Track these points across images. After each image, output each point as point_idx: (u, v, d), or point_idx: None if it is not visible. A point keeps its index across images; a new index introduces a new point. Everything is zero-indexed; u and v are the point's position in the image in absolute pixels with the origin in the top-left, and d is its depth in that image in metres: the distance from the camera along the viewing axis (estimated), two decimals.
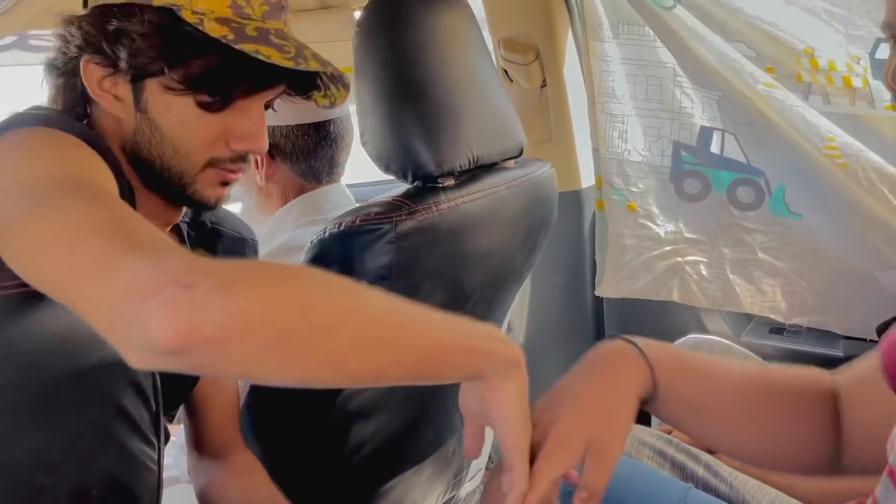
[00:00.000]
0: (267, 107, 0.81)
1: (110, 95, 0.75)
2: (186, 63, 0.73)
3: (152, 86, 0.74)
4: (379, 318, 0.52)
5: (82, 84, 0.75)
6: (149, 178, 0.77)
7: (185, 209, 0.85)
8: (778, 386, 0.72)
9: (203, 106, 0.74)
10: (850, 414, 0.69)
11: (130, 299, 0.46)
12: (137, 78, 0.74)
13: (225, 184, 0.80)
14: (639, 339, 0.68)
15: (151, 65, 0.73)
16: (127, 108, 0.75)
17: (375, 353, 0.52)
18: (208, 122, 0.75)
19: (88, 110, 0.77)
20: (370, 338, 0.51)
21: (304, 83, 0.81)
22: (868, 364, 0.69)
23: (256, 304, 0.47)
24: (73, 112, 0.77)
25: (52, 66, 0.77)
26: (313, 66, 0.75)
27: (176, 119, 0.75)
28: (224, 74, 0.74)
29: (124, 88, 0.74)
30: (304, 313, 0.48)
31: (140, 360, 0.48)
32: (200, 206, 0.81)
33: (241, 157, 0.79)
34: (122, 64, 0.73)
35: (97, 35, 0.73)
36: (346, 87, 0.82)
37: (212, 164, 0.77)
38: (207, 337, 0.45)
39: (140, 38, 0.72)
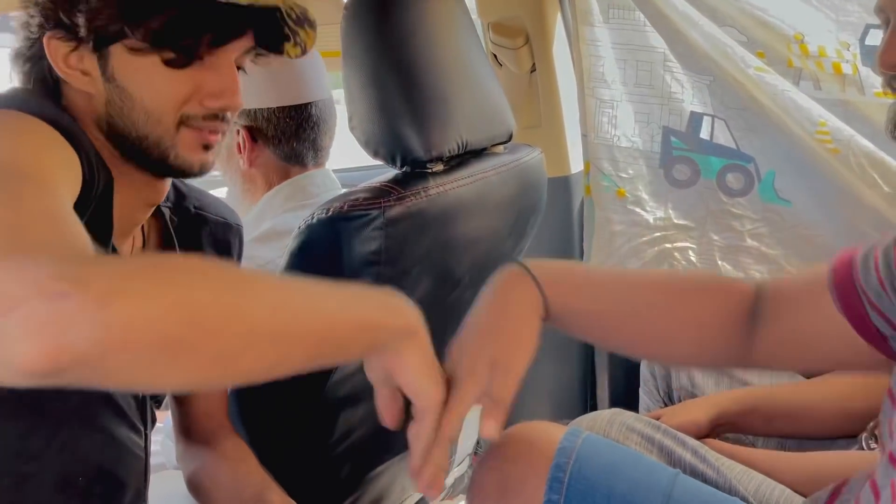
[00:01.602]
0: (239, 67, 0.80)
1: (78, 72, 0.74)
2: (146, 20, 0.71)
3: (117, 51, 0.73)
4: (270, 313, 0.50)
5: (49, 65, 0.74)
6: (128, 152, 0.76)
7: (167, 187, 0.84)
8: (676, 282, 0.77)
9: (169, 63, 0.73)
10: (776, 317, 0.72)
11: None
12: (100, 45, 0.72)
13: (206, 147, 0.78)
14: (529, 262, 0.71)
15: (111, 26, 0.71)
16: (96, 81, 0.74)
17: (268, 348, 0.50)
18: (177, 80, 0.74)
19: (60, 92, 0.76)
20: (261, 334, 0.50)
21: (272, 36, 0.80)
22: (806, 276, 0.74)
23: (136, 315, 0.43)
24: (44, 95, 0.75)
25: (17, 55, 0.76)
26: (273, 1, 0.74)
27: (144, 81, 0.73)
28: (186, 27, 0.72)
29: (90, 61, 0.73)
30: (189, 318, 0.45)
31: (9, 379, 0.42)
32: (185, 174, 0.79)
33: (216, 116, 0.77)
34: (83, 31, 0.71)
35: (53, 6, 0.72)
36: (313, 26, 0.80)
37: (185, 122, 0.75)
38: (79, 355, 0.41)
39: None
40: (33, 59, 0.75)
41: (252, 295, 0.50)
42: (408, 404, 0.63)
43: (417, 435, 0.62)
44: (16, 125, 0.63)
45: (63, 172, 0.63)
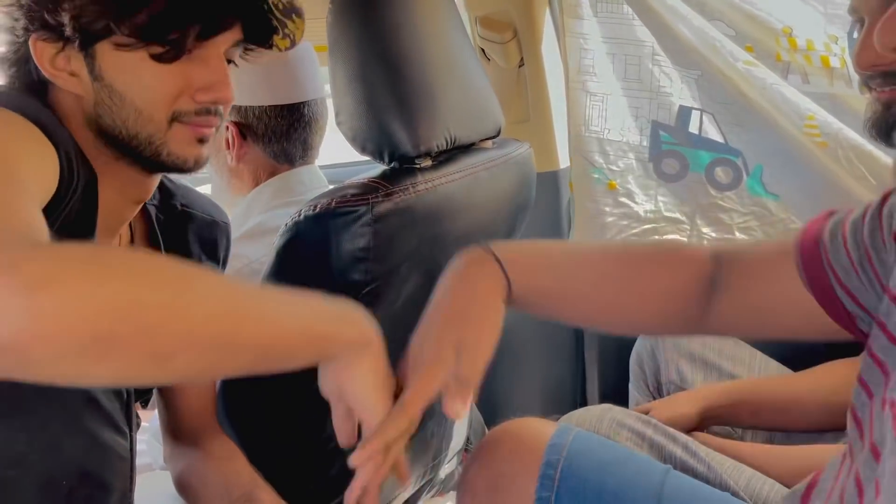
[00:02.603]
0: (229, 61, 0.79)
1: (65, 73, 0.72)
2: (132, 14, 0.70)
3: (103, 49, 0.72)
4: (213, 314, 0.49)
5: (36, 68, 0.72)
6: (120, 150, 0.75)
7: (155, 185, 0.83)
8: (633, 253, 0.78)
9: (157, 58, 0.72)
10: (737, 285, 0.73)
11: None
12: (87, 44, 0.71)
13: (200, 141, 0.77)
14: (493, 244, 0.71)
15: (96, 23, 0.70)
16: (84, 82, 0.73)
17: (207, 351, 0.49)
18: (166, 75, 0.73)
19: (47, 95, 0.75)
20: (201, 336, 0.48)
21: (260, 28, 0.79)
22: (769, 247, 0.76)
23: (67, 305, 0.41)
24: (29, 95, 0.74)
25: (2, 59, 0.75)
26: None
27: (133, 78, 0.72)
28: (172, 20, 0.71)
29: (77, 61, 0.72)
30: (124, 313, 0.44)
31: None
32: (179, 169, 0.78)
33: (208, 111, 0.76)
34: (68, 31, 0.70)
35: (37, 7, 0.71)
36: (301, 16, 0.79)
37: (177, 118, 0.74)
38: (2, 342, 0.40)
39: None
40: (19, 63, 0.74)
41: (194, 295, 0.48)
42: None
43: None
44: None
45: (33, 165, 0.61)
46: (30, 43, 0.71)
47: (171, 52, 0.72)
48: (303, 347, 0.56)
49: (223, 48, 0.77)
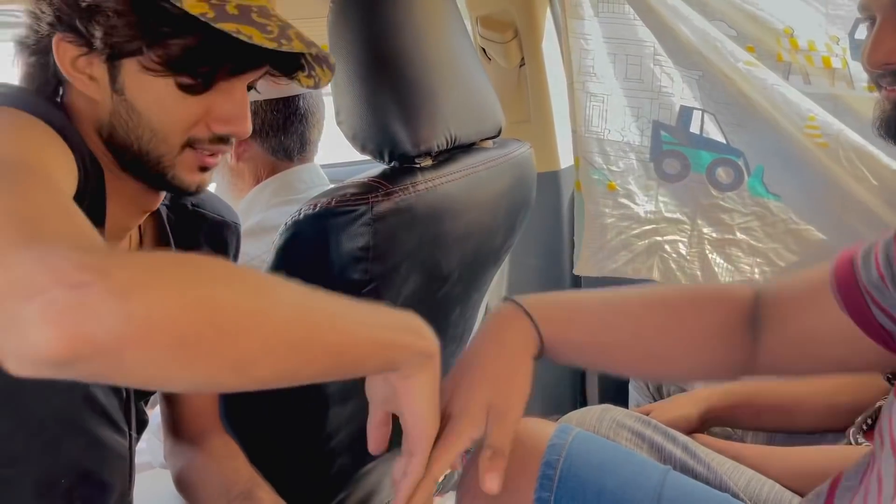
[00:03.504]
0: (250, 88, 0.79)
1: (85, 76, 0.71)
2: (165, 42, 0.70)
3: (129, 66, 0.71)
4: (291, 321, 0.49)
5: (55, 63, 0.71)
6: (126, 163, 0.75)
7: (164, 194, 0.83)
8: (669, 299, 0.76)
9: (184, 88, 0.72)
10: (779, 321, 0.72)
11: (10, 299, 0.41)
12: (113, 57, 0.70)
13: (204, 169, 0.77)
14: (525, 298, 0.71)
15: (128, 44, 0.69)
16: (102, 89, 0.72)
17: (286, 356, 0.49)
18: (189, 104, 0.73)
19: (61, 91, 0.74)
20: (281, 341, 0.49)
21: (289, 63, 0.79)
22: (807, 278, 0.73)
23: (157, 309, 0.42)
24: (45, 92, 0.74)
25: (23, 45, 0.74)
26: (297, 48, 0.72)
27: (154, 101, 0.72)
28: (205, 55, 0.71)
29: (100, 69, 0.71)
30: (210, 318, 0.45)
31: (19, 368, 0.42)
32: (180, 192, 0.79)
33: (221, 139, 0.76)
34: (97, 43, 0.69)
35: (69, 11, 0.70)
36: (332, 68, 0.79)
37: (190, 144, 0.74)
38: (99, 346, 0.40)
39: (115, 14, 0.69)
40: (38, 54, 0.73)
41: (272, 302, 0.49)
42: (395, 433, 0.63)
43: (406, 470, 0.61)
44: (15, 122, 0.62)
45: (63, 168, 0.62)
46: (53, 41, 0.71)
47: (199, 86, 0.72)
48: (373, 355, 0.56)
49: (248, 82, 0.77)
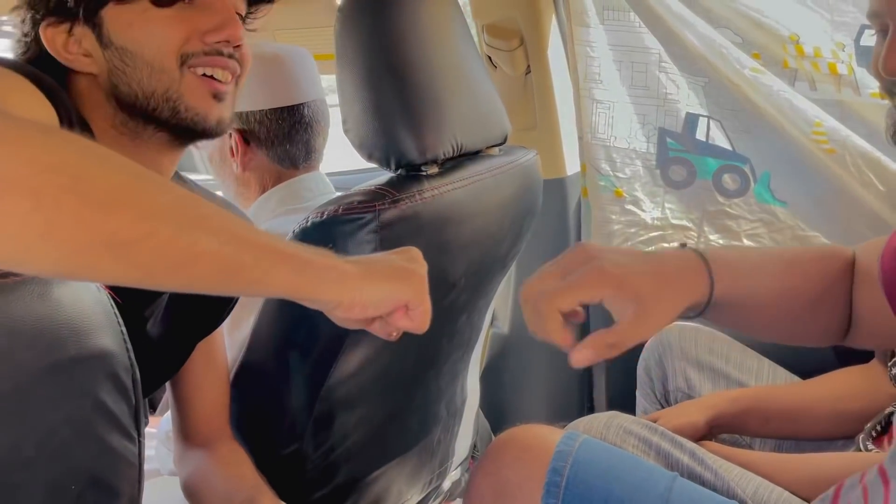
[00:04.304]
0: (239, 16, 0.80)
1: (80, 56, 0.74)
2: None
3: (108, 14, 0.73)
4: (175, 203, 0.46)
5: (50, 59, 0.74)
6: (141, 117, 0.75)
7: (176, 164, 0.83)
8: (809, 275, 0.74)
9: (157, 3, 0.73)
10: (858, 291, 0.73)
11: None
12: (91, 11, 0.73)
13: (217, 97, 0.77)
14: (705, 251, 0.69)
15: None
16: (97, 58, 0.74)
17: (172, 241, 0.45)
18: (172, 20, 0.74)
19: (66, 87, 0.75)
20: (165, 223, 0.44)
21: None
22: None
23: (5, 164, 0.39)
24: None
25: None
26: None
27: (140, 31, 0.73)
28: None
29: (88, 39, 0.74)
30: (72, 184, 0.41)
31: None
32: (200, 127, 0.77)
33: (220, 52, 0.76)
34: (70, 2, 0.72)
35: None
36: None
37: (186, 61, 0.75)
38: None
39: None
40: (35, 60, 0.75)
41: (155, 185, 0.46)
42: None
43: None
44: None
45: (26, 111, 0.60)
46: (40, 33, 0.73)
47: None
48: (278, 261, 0.52)
49: None
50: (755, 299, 0.71)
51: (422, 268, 0.63)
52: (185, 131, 0.78)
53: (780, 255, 0.78)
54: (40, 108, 0.64)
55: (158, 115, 0.75)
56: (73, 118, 0.67)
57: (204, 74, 0.76)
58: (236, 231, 0.50)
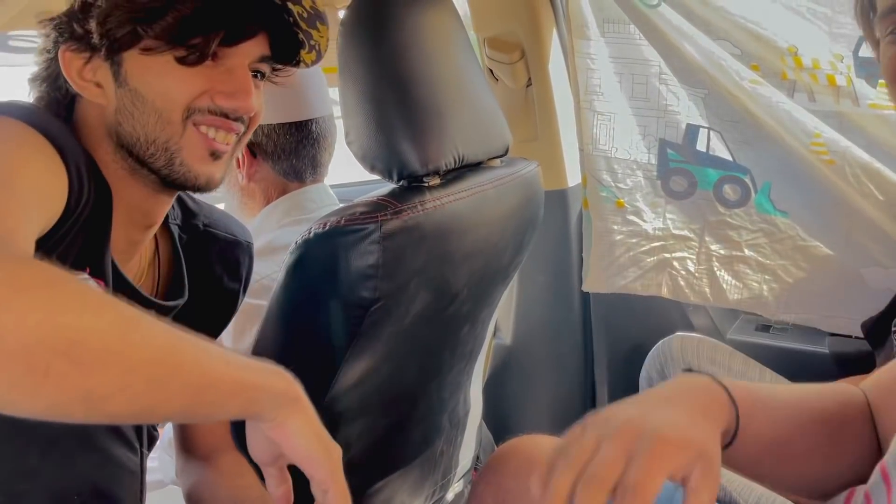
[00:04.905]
0: (258, 74, 0.80)
1: (92, 84, 0.74)
2: (157, 19, 0.72)
3: (130, 56, 0.73)
4: (153, 359, 0.48)
5: (65, 82, 0.74)
6: (136, 161, 0.76)
7: (165, 210, 0.83)
8: (829, 415, 0.68)
9: (181, 61, 0.74)
10: (878, 420, 0.68)
11: None
12: (113, 51, 0.73)
13: (214, 155, 0.77)
14: (723, 379, 0.63)
15: (122, 28, 0.72)
16: (108, 92, 0.75)
17: (143, 393, 0.48)
18: (190, 77, 0.74)
19: (74, 110, 0.77)
20: (139, 378, 0.48)
21: (286, 43, 0.80)
22: (890, 369, 0.67)
23: (9, 334, 0.41)
24: (53, 109, 0.76)
25: (35, 77, 0.77)
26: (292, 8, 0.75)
27: (156, 80, 0.74)
28: (198, 24, 0.73)
29: (104, 72, 0.74)
30: (66, 348, 0.43)
31: None
32: (191, 184, 0.78)
33: (225, 115, 0.76)
34: (95, 38, 0.72)
35: (67, 19, 0.73)
36: (325, 23, 0.80)
37: (191, 116, 0.75)
38: None
39: (107, 2, 0.72)
40: (49, 79, 0.76)
41: (140, 337, 0.48)
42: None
43: None
44: (5, 132, 0.64)
45: (37, 176, 0.62)
46: (59, 54, 0.74)
47: (195, 55, 0.74)
48: (233, 395, 0.55)
49: (248, 59, 0.78)
50: (777, 431, 0.65)
51: (336, 451, 0.62)
52: (173, 183, 0.78)
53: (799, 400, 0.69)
54: (54, 178, 0.64)
55: (153, 162, 0.76)
56: (83, 170, 0.68)
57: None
58: (206, 369, 0.53)
